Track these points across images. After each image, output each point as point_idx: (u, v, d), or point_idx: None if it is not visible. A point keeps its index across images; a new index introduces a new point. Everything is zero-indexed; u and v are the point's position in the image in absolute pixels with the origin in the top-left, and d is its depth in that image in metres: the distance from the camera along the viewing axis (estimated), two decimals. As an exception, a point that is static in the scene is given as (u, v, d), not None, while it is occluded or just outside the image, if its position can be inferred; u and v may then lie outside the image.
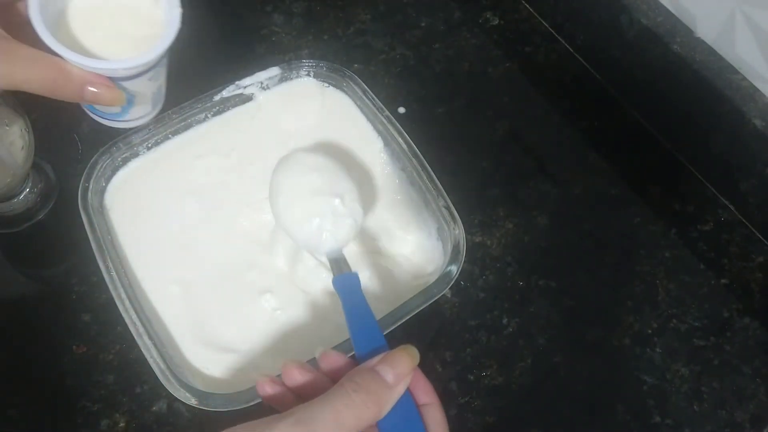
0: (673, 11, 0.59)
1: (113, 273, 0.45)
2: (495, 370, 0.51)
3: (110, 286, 0.45)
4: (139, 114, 0.43)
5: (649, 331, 0.53)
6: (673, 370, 0.52)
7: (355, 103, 0.56)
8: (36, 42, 0.35)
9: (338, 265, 0.43)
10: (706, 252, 0.57)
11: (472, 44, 0.67)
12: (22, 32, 0.36)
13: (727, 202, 0.60)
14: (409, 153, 0.52)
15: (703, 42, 0.57)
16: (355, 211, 0.46)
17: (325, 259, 0.45)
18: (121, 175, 0.52)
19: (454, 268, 0.47)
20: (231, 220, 0.52)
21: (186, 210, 0.52)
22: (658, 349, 0.53)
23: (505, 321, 0.53)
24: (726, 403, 0.51)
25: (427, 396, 0.35)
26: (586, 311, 0.54)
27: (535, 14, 0.70)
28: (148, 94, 0.42)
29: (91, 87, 0.37)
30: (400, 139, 0.52)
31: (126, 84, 0.39)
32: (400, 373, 0.33)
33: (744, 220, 0.59)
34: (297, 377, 0.35)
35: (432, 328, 0.52)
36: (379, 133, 0.55)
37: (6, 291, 0.52)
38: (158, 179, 0.52)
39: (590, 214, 0.59)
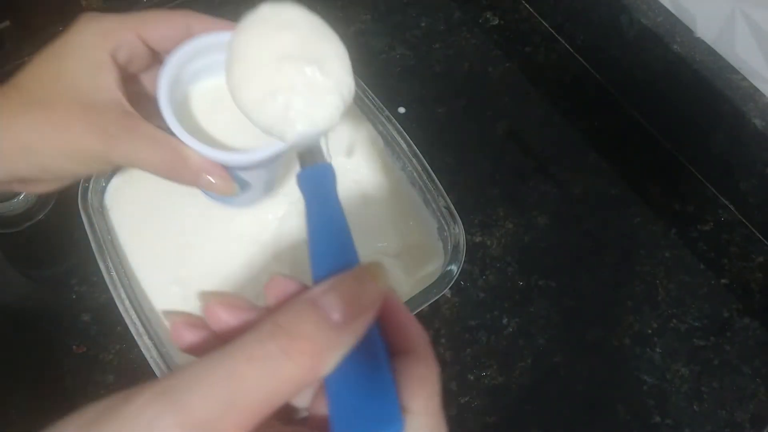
0: (673, 11, 0.59)
1: (113, 273, 0.45)
2: (495, 370, 0.51)
3: (110, 286, 0.45)
4: (249, 199, 0.42)
5: (649, 331, 0.53)
6: (673, 370, 0.52)
7: (355, 103, 0.56)
8: (154, 115, 0.35)
9: (311, 156, 0.31)
10: (706, 252, 0.57)
11: (472, 44, 0.67)
12: (142, 103, 0.36)
13: (727, 202, 0.60)
14: (409, 153, 0.52)
15: (703, 42, 0.57)
16: (340, 83, 0.33)
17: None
18: (121, 175, 0.52)
19: (454, 268, 0.47)
20: (231, 220, 0.52)
21: (186, 210, 0.52)
22: (658, 349, 0.53)
23: (505, 321, 0.53)
24: (726, 403, 0.51)
25: (406, 340, 0.24)
26: (586, 311, 0.54)
27: (535, 14, 0.70)
28: (261, 183, 0.41)
29: (207, 175, 0.35)
30: (400, 139, 0.52)
31: (241, 173, 0.38)
32: (356, 305, 0.21)
33: (744, 220, 0.59)
34: (224, 318, 0.23)
35: (432, 328, 0.52)
36: (379, 133, 0.55)
37: (6, 291, 0.52)
38: (158, 179, 0.52)
39: (590, 214, 0.59)
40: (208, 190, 0.37)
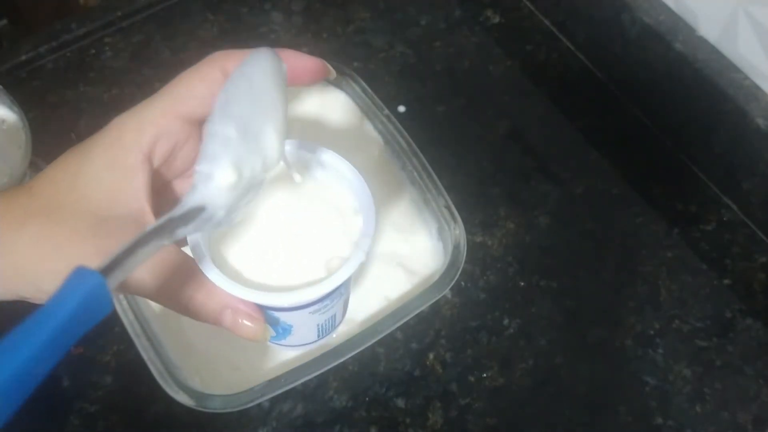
0: (675, 9, 0.58)
1: (110, 273, 0.45)
2: (496, 372, 0.51)
3: (107, 287, 0.44)
4: (298, 341, 0.36)
5: (651, 332, 0.53)
6: (675, 371, 0.52)
7: (355, 102, 0.56)
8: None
9: None
10: (709, 252, 0.57)
11: (472, 42, 0.67)
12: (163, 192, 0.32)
13: (729, 202, 0.59)
14: (409, 152, 0.51)
15: (705, 40, 0.56)
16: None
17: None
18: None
19: (454, 269, 0.47)
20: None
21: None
22: (660, 350, 0.52)
23: (506, 322, 0.53)
24: (729, 404, 0.51)
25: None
26: (588, 312, 0.54)
27: (537, 12, 0.69)
28: (310, 325, 0.34)
29: (233, 314, 0.30)
30: (400, 138, 0.52)
31: (278, 314, 0.32)
32: None
33: (747, 220, 0.58)
34: None
35: (432, 329, 0.52)
36: (379, 132, 0.54)
37: (3, 291, 0.51)
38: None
39: (592, 213, 0.58)
40: (233, 332, 0.31)
